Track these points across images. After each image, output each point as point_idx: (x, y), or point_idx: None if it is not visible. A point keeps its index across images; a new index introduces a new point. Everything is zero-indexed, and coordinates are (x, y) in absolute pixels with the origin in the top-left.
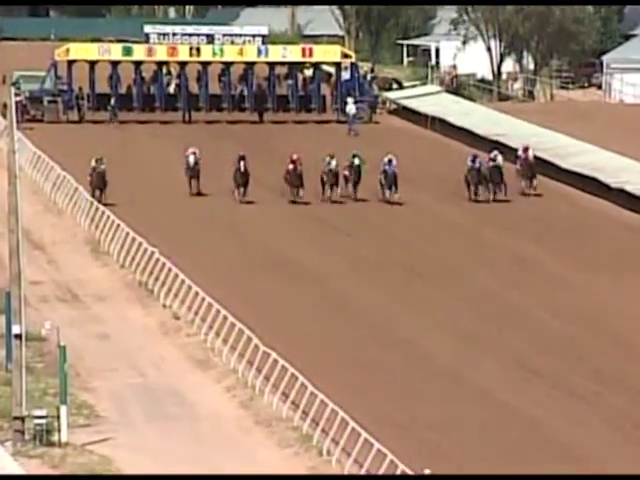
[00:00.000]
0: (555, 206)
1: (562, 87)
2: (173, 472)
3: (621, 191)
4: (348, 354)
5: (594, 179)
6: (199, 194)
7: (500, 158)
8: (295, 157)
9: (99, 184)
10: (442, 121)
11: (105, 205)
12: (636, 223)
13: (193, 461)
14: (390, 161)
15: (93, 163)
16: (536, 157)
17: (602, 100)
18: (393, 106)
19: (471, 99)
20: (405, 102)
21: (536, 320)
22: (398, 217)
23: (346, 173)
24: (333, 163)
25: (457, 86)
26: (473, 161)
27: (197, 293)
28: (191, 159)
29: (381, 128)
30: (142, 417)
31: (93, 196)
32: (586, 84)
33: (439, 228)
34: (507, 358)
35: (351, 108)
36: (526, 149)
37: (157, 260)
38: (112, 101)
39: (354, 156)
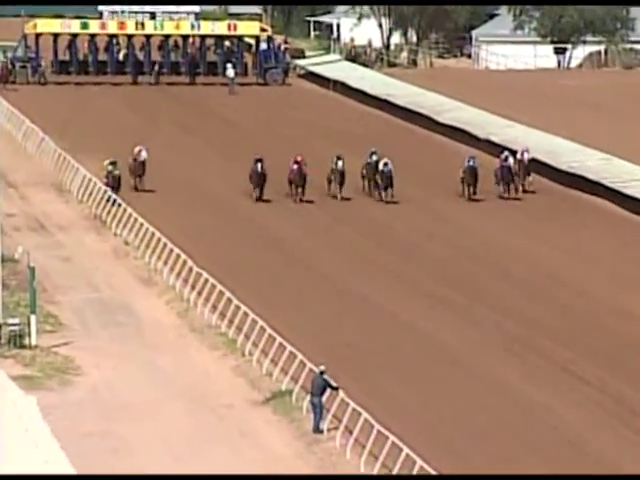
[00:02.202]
0: (430, 155)
1: (439, 56)
2: (123, 370)
3: (487, 141)
4: (267, 276)
5: (465, 131)
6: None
7: (511, 160)
8: (299, 158)
9: (114, 187)
10: (342, 84)
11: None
12: None
13: (139, 360)
14: (386, 164)
15: (109, 167)
16: (523, 157)
17: (471, 67)
18: (302, 71)
19: (365, 66)
20: (312, 68)
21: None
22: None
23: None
24: (340, 164)
25: (354, 55)
26: (469, 161)
27: (142, 224)
28: (143, 154)
29: (292, 89)
30: (98, 325)
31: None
32: (458, 54)
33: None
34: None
35: (230, 72)
36: (523, 152)
37: (109, 196)
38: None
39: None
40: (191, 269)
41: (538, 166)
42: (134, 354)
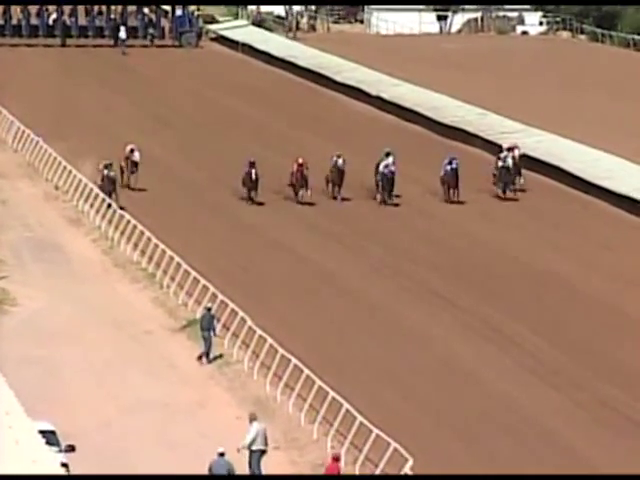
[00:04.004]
0: (330, 109)
1: (335, 22)
2: (54, 301)
3: (378, 98)
4: (187, 221)
5: (359, 89)
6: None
7: (510, 160)
8: (301, 161)
9: (110, 188)
10: (249, 46)
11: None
12: (394, 123)
13: (68, 292)
14: (387, 165)
15: (104, 171)
16: (524, 155)
17: (364, 32)
18: (213, 35)
19: (270, 30)
20: (222, 32)
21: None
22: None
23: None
24: (340, 161)
25: (260, 21)
26: (450, 163)
27: (70, 171)
28: (136, 155)
29: (205, 51)
30: (31, 261)
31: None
32: (353, 20)
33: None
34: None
35: (123, 34)
36: (511, 148)
37: (41, 147)
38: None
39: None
40: (115, 211)
41: (422, 119)
42: (64, 287)
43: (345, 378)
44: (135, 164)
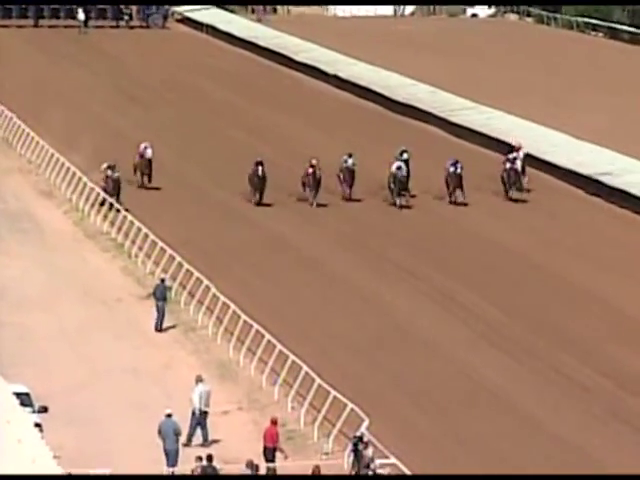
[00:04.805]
0: (289, 87)
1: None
2: (27, 269)
3: (335, 77)
4: (156, 195)
5: (316, 68)
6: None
7: (519, 162)
8: (314, 162)
9: (114, 191)
10: (213, 27)
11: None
12: (350, 100)
13: (41, 261)
14: (400, 168)
15: (107, 172)
16: (528, 155)
17: (322, 14)
18: (179, 17)
19: (233, 12)
20: (187, 14)
21: None
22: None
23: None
24: (350, 161)
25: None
26: (454, 165)
27: (43, 146)
28: (149, 152)
29: (171, 32)
30: (6, 231)
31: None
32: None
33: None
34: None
35: (81, 16)
36: (518, 149)
37: (15, 123)
38: None
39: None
40: (85, 184)
41: (375, 96)
42: (37, 256)
43: (304, 343)
44: (149, 162)
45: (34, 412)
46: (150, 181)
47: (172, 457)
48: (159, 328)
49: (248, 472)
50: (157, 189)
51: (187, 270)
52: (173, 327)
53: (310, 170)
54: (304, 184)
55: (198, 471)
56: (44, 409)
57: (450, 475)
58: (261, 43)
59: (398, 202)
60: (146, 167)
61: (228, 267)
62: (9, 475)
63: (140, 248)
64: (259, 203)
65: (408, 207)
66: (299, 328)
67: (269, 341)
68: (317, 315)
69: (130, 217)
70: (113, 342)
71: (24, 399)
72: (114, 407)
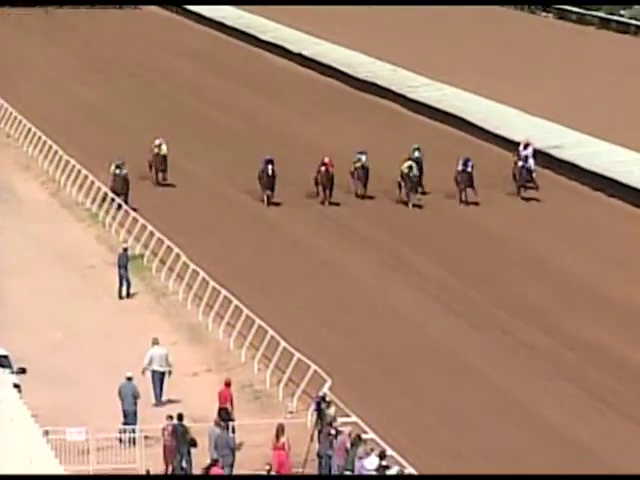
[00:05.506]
0: (255, 65)
1: None
2: (7, 237)
3: (299, 55)
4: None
5: (282, 47)
6: None
7: (532, 161)
8: (327, 160)
9: (122, 189)
10: (183, 8)
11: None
12: (313, 78)
13: (20, 229)
14: (411, 167)
15: (116, 171)
16: (537, 150)
17: None
18: None
19: None
20: None
21: None
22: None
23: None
24: (363, 158)
25: None
26: (465, 164)
27: (21, 121)
28: (164, 148)
29: (142, 13)
30: None
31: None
32: None
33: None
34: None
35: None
36: (527, 145)
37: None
38: None
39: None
40: (61, 156)
41: (338, 74)
42: (16, 224)
43: (270, 307)
44: (164, 159)
45: (13, 373)
46: (165, 178)
47: (130, 417)
48: (124, 295)
49: (217, 430)
50: (172, 186)
51: (158, 239)
52: (145, 293)
53: (323, 168)
54: (317, 182)
55: (169, 429)
56: (22, 370)
57: (450, 475)
58: (228, 23)
59: (410, 199)
60: (161, 163)
61: (197, 234)
62: (9, 475)
63: (113, 217)
64: (269, 202)
65: (419, 206)
66: (266, 293)
67: (237, 306)
68: (282, 282)
69: (105, 188)
70: (88, 307)
71: (3, 361)
72: (89, 368)
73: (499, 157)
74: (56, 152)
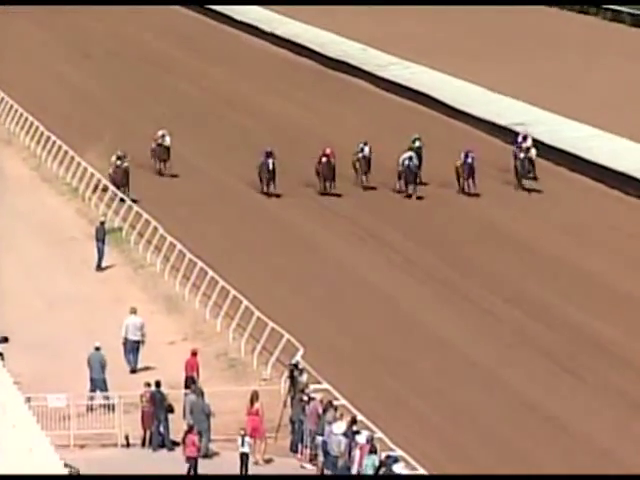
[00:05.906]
0: (229, 43)
1: None
2: None
3: (272, 34)
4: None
5: (256, 27)
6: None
7: (534, 151)
8: (328, 151)
9: (123, 181)
10: None
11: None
12: (286, 57)
13: (2, 203)
14: (411, 158)
15: (117, 162)
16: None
17: None
18: None
19: None
20: None
21: None
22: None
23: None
24: (366, 149)
25: None
26: (466, 156)
27: (3, 98)
28: (167, 139)
29: None
30: None
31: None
32: None
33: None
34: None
35: None
36: (525, 137)
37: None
38: None
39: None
40: (42, 133)
41: (310, 54)
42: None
43: (245, 278)
44: (167, 150)
45: None
46: (166, 168)
47: (98, 384)
48: (99, 266)
49: (193, 397)
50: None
51: (137, 212)
52: (124, 265)
53: (324, 159)
54: (318, 173)
55: (147, 396)
56: (5, 339)
57: (452, 475)
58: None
59: (411, 190)
60: (163, 153)
61: (173, 209)
62: (9, 475)
63: (94, 193)
64: (269, 193)
65: (420, 197)
66: (240, 264)
67: (212, 277)
68: (257, 254)
69: (84, 163)
70: (69, 277)
71: None
72: (69, 337)
73: (467, 135)
74: (37, 128)
